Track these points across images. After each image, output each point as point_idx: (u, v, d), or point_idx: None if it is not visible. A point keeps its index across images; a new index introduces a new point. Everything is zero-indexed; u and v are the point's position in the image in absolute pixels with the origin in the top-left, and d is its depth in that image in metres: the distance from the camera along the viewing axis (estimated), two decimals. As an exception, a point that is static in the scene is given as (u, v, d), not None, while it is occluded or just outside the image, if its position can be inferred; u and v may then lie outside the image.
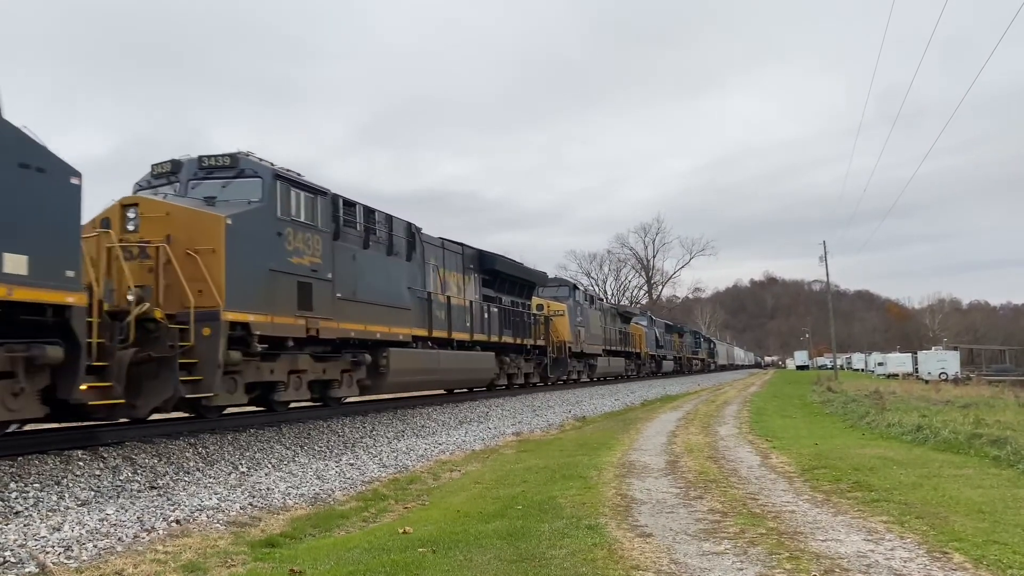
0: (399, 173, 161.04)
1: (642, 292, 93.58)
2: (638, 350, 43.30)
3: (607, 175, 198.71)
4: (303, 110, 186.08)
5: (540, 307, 26.45)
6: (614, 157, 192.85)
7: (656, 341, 49.55)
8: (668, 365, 53.77)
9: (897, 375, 61.07)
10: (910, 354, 72.12)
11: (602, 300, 42.78)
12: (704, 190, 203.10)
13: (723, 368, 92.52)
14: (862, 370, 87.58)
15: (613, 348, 36.53)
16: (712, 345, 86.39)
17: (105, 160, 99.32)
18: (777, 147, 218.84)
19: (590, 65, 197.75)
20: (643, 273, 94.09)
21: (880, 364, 75.34)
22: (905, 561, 4.86)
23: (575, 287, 31.58)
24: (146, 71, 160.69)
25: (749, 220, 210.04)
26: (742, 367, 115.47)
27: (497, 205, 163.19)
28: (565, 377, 28.50)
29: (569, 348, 27.97)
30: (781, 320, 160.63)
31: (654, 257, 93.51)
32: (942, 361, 60.85)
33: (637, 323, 44.85)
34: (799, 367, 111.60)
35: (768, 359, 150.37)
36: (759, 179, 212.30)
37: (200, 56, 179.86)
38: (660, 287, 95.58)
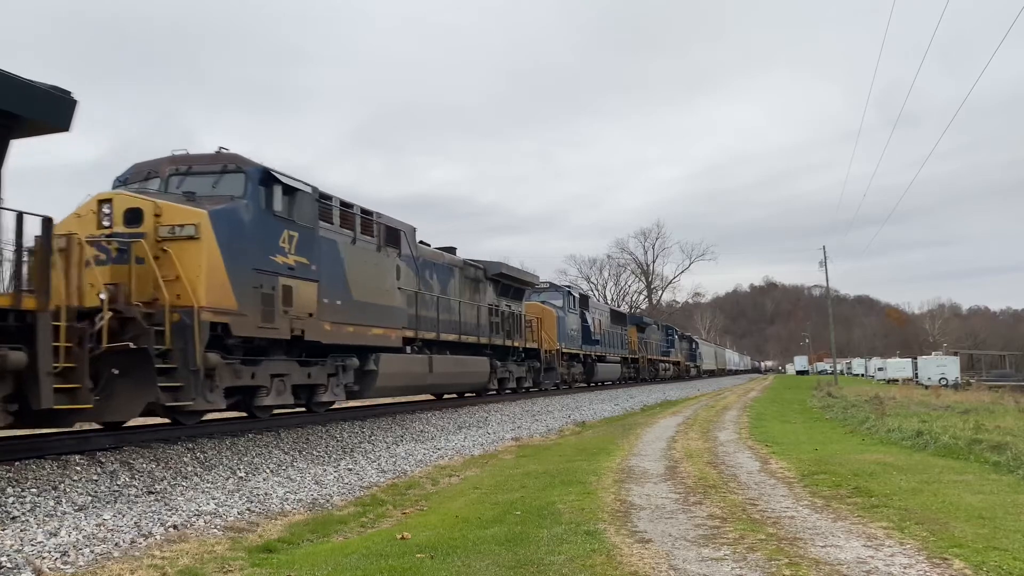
0: (392, 178, 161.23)
1: (642, 297, 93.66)
2: (534, 344, 25.52)
3: (600, 182, 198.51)
4: (295, 115, 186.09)
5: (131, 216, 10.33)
6: (607, 164, 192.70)
7: (585, 333, 31.83)
8: (608, 370, 36.23)
9: (897, 380, 61.00)
10: (910, 359, 72.08)
11: (447, 253, 19.98)
12: (699, 196, 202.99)
13: (711, 374, 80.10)
14: (862, 375, 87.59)
15: (459, 337, 18.81)
16: (694, 345, 69.96)
17: (97, 162, 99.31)
18: (772, 153, 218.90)
19: (579, 72, 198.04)
20: (643, 278, 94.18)
21: (880, 369, 75.29)
22: (905, 567, 4.84)
23: (268, 175, 11.66)
24: (137, 74, 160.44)
25: (747, 226, 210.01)
26: (737, 372, 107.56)
27: (491, 210, 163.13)
28: (168, 403, 9.37)
29: (227, 326, 10.55)
30: (781, 325, 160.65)
31: (654, 262, 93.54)
32: (942, 366, 60.80)
33: (545, 302, 28.20)
34: (799, 372, 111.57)
35: (766, 364, 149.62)
36: (755, 185, 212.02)
37: (191, 60, 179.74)
38: (660, 292, 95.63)
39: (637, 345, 44.25)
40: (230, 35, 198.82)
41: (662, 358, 52.65)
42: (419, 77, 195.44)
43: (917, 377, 61.52)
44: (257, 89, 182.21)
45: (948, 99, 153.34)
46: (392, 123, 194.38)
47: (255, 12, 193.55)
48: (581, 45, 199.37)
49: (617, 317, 41.54)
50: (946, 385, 50.13)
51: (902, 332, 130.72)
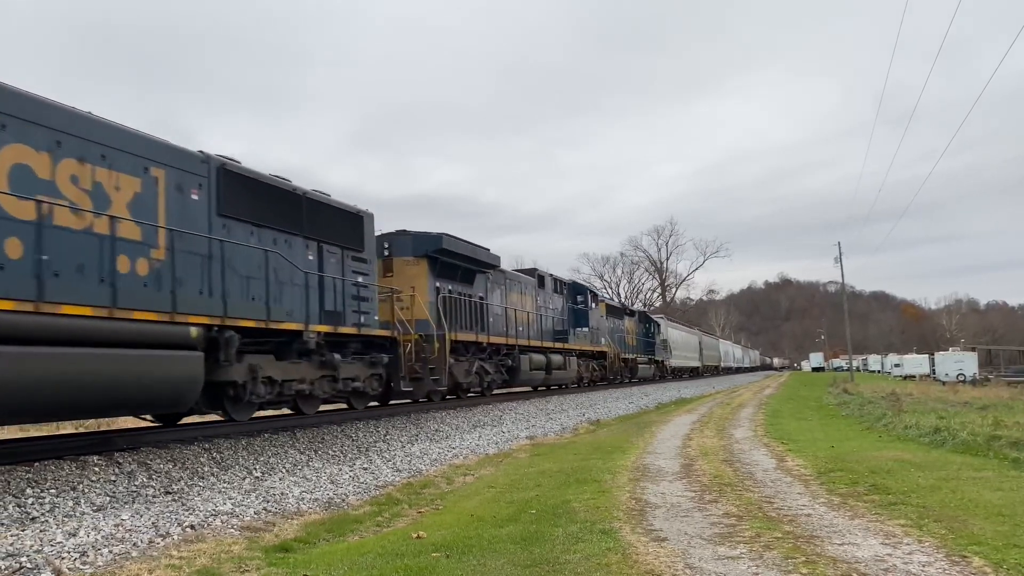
0: (393, 178, 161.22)
1: (656, 295, 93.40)
2: None
3: (603, 180, 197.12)
4: (293, 116, 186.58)
5: None
6: (608, 162, 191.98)
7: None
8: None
9: (914, 377, 60.64)
10: (927, 355, 71.46)
11: None
12: (704, 194, 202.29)
13: (693, 374, 57.46)
14: (878, 372, 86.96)
15: None
16: (651, 328, 44.47)
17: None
18: (773, 150, 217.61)
19: (578, 71, 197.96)
20: (657, 276, 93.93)
21: (896, 366, 74.75)
22: (923, 565, 4.80)
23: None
24: (135, 74, 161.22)
25: (755, 223, 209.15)
26: (741, 371, 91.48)
27: (493, 210, 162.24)
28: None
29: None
30: (796, 322, 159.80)
31: (667, 259, 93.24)
32: (959, 362, 60.22)
33: None
34: (814, 369, 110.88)
35: (778, 361, 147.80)
36: (758, 183, 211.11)
37: (189, 61, 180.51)
38: (674, 289, 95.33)
39: (441, 310, 17.42)
40: (228, 37, 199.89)
41: (552, 345, 24.90)
42: (418, 77, 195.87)
43: (934, 373, 61.05)
44: (254, 90, 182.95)
45: (947, 95, 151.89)
46: (392, 123, 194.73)
47: (252, 14, 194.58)
48: (579, 45, 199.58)
49: (341, 224, 13.61)
50: (964, 381, 49.75)
51: (919, 328, 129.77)
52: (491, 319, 20.35)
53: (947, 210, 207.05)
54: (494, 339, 20.01)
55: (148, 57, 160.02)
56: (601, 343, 31.46)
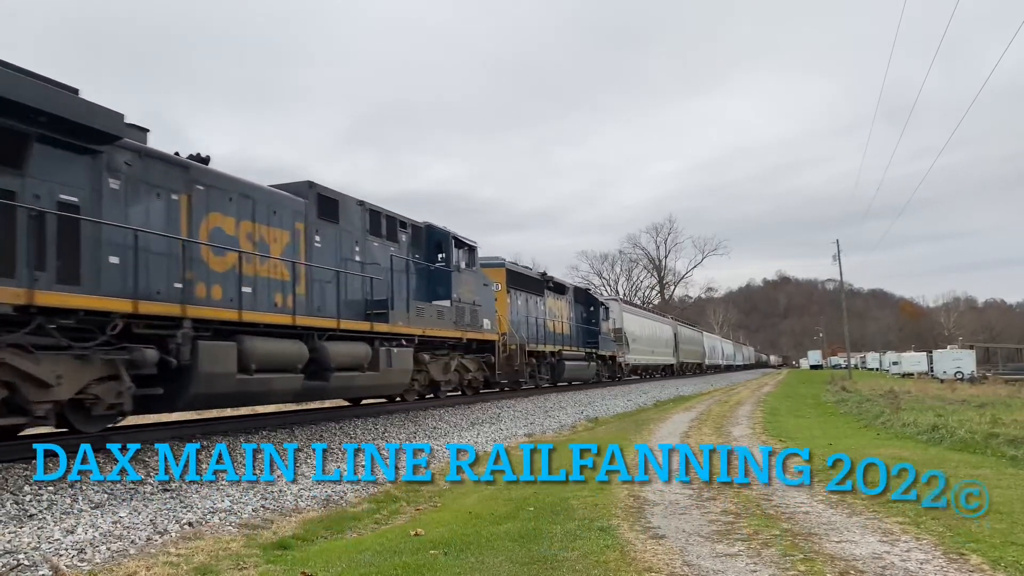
0: (388, 176, 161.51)
1: (654, 292, 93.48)
2: None
3: (601, 178, 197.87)
4: (288, 113, 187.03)
5: None
6: (606, 160, 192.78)
7: None
8: None
9: (912, 374, 60.73)
10: (925, 353, 71.61)
11: None
12: (704, 191, 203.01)
13: (666, 372, 49.93)
14: (876, 369, 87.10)
15: None
16: (597, 312, 34.44)
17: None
18: (769, 147, 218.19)
19: (573, 69, 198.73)
20: (655, 273, 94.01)
21: (895, 363, 74.90)
22: (921, 563, 4.81)
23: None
24: (127, 71, 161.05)
25: (752, 220, 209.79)
26: (732, 368, 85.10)
27: (490, 207, 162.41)
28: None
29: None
30: (794, 319, 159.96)
31: (666, 257, 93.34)
32: (957, 360, 60.34)
33: None
34: (812, 367, 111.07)
35: (775, 358, 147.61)
36: (755, 179, 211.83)
37: (182, 58, 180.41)
38: (672, 287, 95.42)
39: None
40: (222, 34, 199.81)
41: (337, 325, 12.92)
42: (414, 75, 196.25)
43: (932, 371, 61.16)
44: (248, 88, 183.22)
45: (944, 92, 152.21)
46: (387, 121, 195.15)
47: (246, 11, 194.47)
48: (577, 42, 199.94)
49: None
50: (962, 379, 49.81)
51: (917, 326, 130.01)
52: (112, 259, 9.28)
53: (946, 207, 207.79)
54: (100, 303, 8.75)
55: (139, 53, 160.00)
56: (483, 326, 19.68)
